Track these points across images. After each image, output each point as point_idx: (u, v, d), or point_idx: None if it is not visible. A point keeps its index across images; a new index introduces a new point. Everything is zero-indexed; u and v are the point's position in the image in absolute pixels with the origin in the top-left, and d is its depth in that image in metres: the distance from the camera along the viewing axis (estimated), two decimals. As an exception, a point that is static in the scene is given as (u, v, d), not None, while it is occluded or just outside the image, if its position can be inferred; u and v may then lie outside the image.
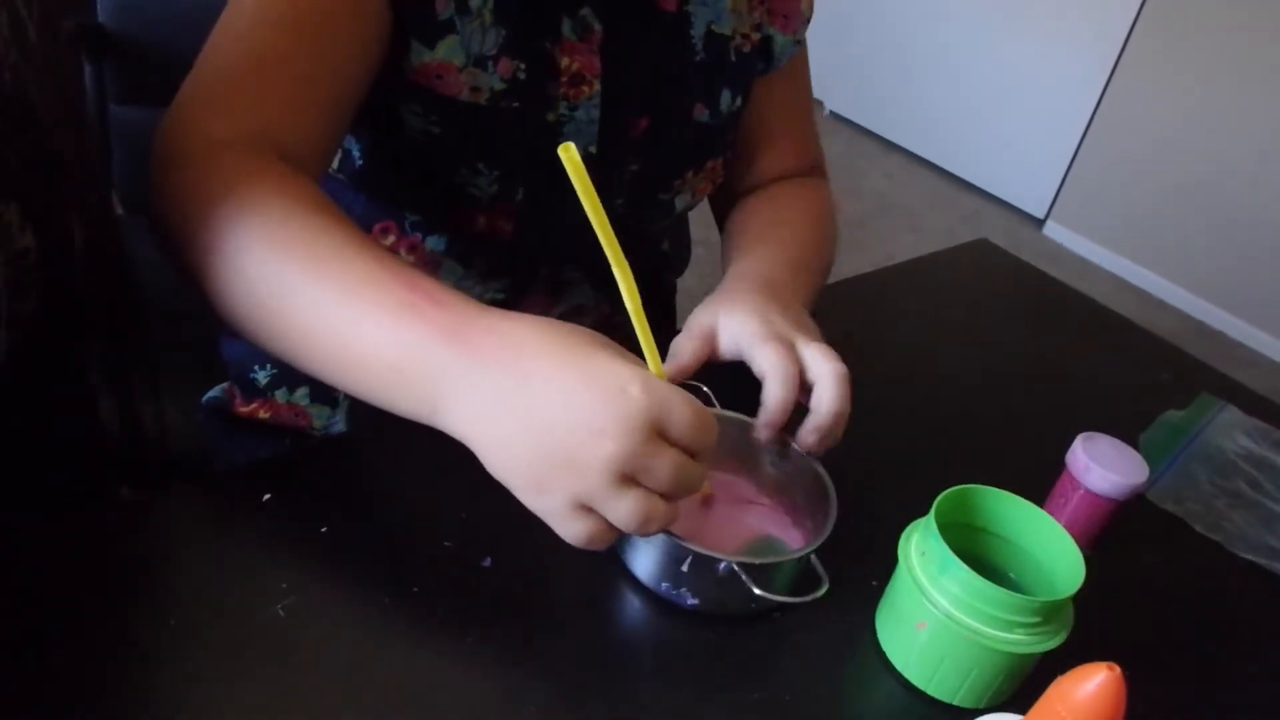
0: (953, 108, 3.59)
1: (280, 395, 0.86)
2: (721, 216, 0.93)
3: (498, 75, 0.71)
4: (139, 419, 0.56)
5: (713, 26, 0.80)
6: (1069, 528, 0.61)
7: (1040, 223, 3.44)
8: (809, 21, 0.88)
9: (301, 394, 0.85)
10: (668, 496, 0.49)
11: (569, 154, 0.46)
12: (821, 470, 0.62)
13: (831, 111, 4.02)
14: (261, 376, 0.86)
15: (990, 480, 0.60)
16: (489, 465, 0.50)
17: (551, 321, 0.51)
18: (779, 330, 0.64)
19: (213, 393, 0.90)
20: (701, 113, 0.81)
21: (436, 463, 0.65)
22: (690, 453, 0.49)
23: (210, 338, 0.92)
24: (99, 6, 0.95)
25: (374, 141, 0.77)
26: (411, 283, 0.52)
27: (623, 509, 0.48)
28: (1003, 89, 3.43)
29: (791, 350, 0.63)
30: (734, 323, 0.65)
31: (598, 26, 0.73)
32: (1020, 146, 3.43)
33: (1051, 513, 0.65)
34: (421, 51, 0.68)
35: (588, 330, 0.52)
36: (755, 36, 0.84)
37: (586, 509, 0.48)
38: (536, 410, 0.48)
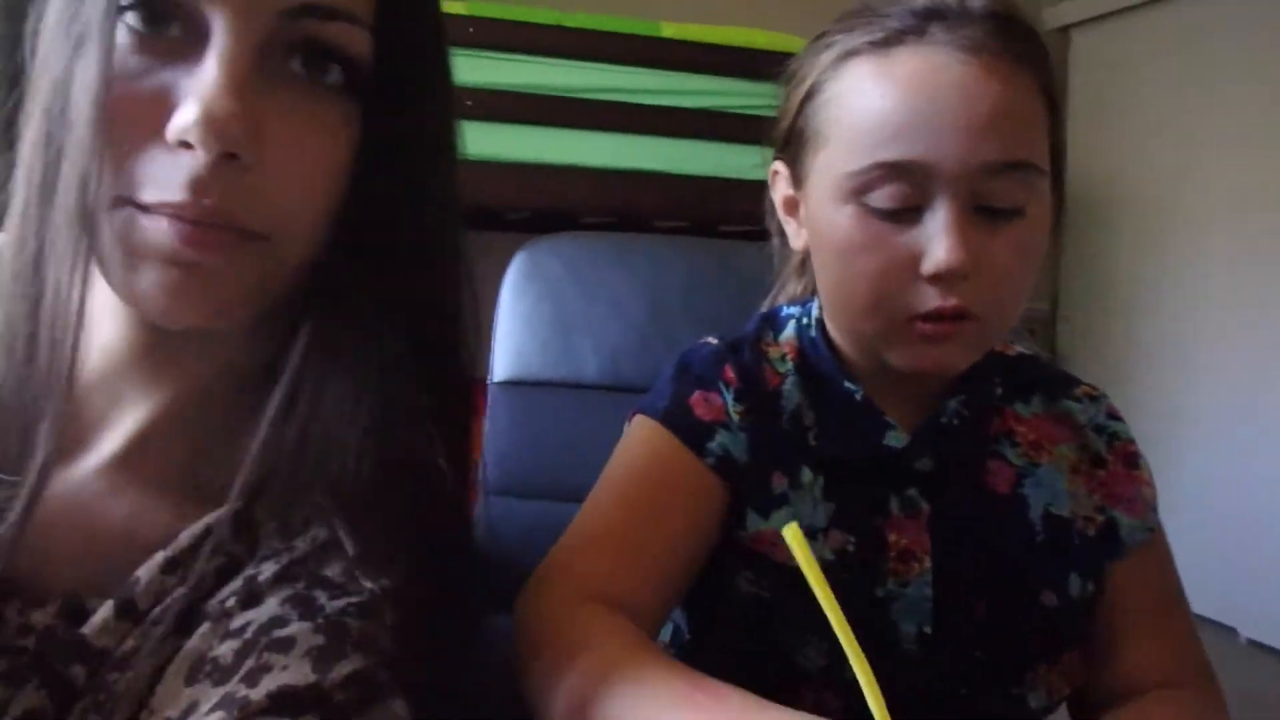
0: None
1: None
2: None
3: (828, 547, 0.74)
4: None
5: (1050, 509, 0.77)
6: None
7: None
8: (1155, 509, 0.82)
9: None
10: None
11: (793, 532, 0.49)
12: None
13: (1249, 639, 3.15)
14: None
15: None
16: None
17: None
18: None
19: None
20: (1049, 599, 0.76)
21: None
22: None
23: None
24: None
25: (704, 613, 0.80)
26: (707, 689, 0.58)
27: None
28: None
29: None
30: None
31: (925, 505, 0.75)
32: None
33: None
34: (757, 521, 0.74)
35: None
36: (1099, 519, 0.79)
37: None
38: None
